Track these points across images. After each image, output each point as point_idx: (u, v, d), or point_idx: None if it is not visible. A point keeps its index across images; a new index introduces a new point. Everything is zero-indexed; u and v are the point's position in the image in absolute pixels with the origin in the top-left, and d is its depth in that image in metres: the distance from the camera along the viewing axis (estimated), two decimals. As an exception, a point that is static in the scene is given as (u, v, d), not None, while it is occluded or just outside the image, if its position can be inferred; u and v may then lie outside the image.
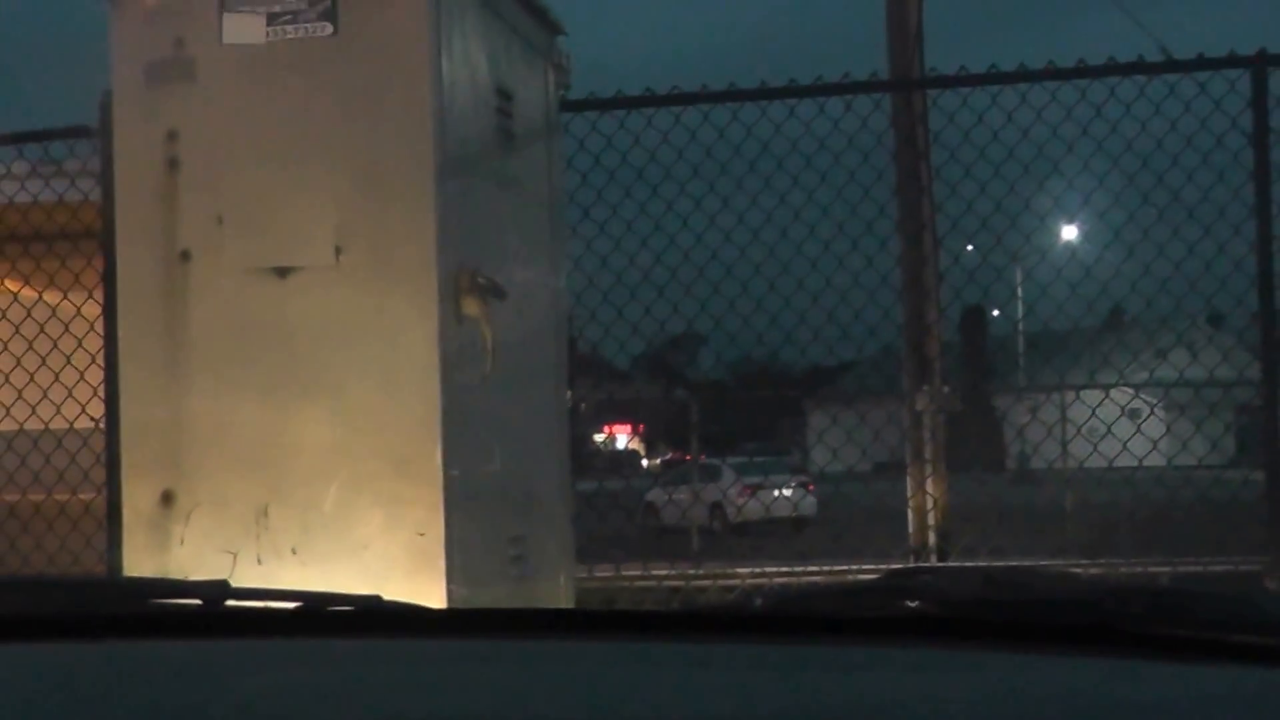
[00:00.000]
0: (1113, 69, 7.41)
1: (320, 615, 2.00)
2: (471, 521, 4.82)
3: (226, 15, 4.85)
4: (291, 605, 1.98)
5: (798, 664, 1.73)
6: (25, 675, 1.79)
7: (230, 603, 2.02)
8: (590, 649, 1.80)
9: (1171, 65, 7.58)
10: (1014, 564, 8.21)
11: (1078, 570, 8.42)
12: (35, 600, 2.08)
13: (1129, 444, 8.09)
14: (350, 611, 2.03)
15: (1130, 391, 10.55)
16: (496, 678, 1.71)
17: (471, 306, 4.84)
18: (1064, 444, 13.06)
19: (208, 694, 1.65)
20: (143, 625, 1.94)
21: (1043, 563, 8.84)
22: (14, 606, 2.02)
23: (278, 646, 1.84)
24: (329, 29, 4.79)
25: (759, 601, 2.28)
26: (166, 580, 2.99)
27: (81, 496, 7.47)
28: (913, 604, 1.86)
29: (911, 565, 8.80)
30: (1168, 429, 8.69)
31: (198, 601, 2.02)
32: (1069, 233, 10.67)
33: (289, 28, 4.81)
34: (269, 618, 2.00)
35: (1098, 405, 8.66)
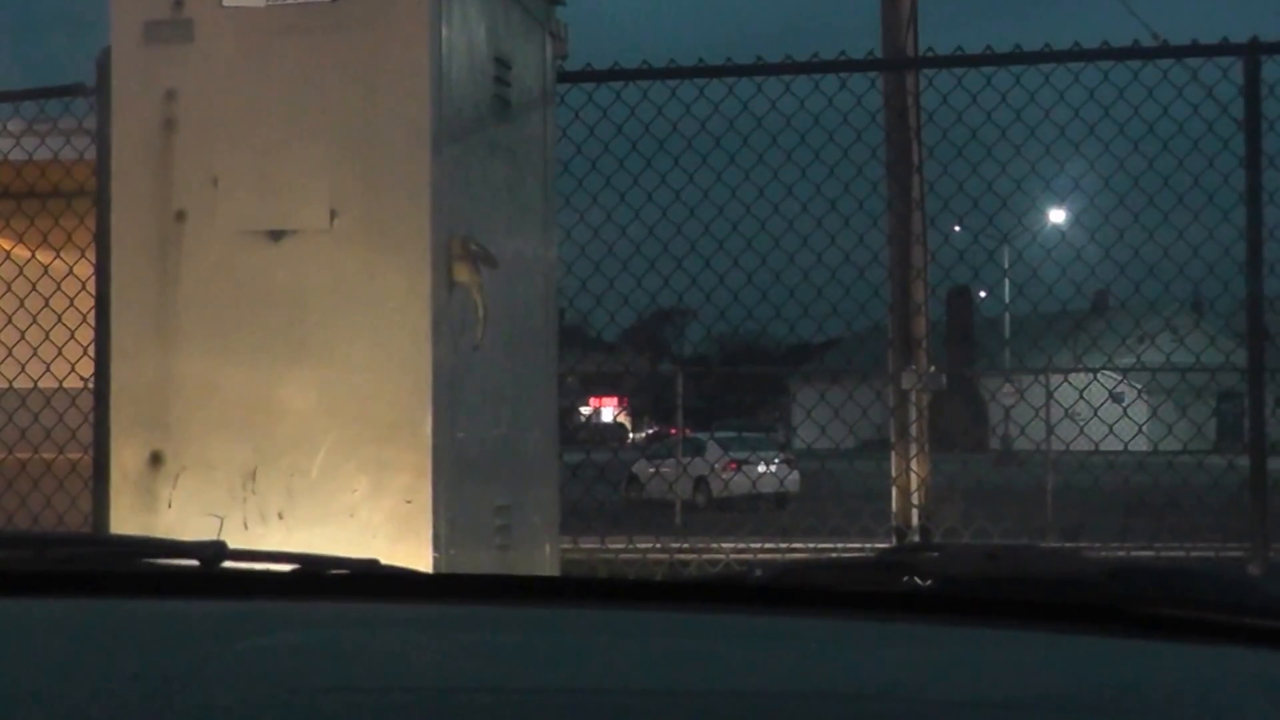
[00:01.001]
0: (1107, 53, 7.43)
1: (317, 578, 2.02)
2: (459, 489, 4.84)
3: (226, -23, 4.84)
4: (288, 567, 1.99)
5: (796, 636, 1.74)
6: (18, 631, 1.80)
7: (227, 564, 2.03)
8: (588, 616, 1.81)
9: (1165, 51, 7.60)
10: (1018, 543, 8.23)
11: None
12: (30, 556, 2.09)
13: (1113, 428, 8.13)
14: (347, 575, 2.04)
15: (1115, 375, 10.58)
16: (494, 643, 1.73)
17: (463, 273, 4.84)
18: (1048, 426, 13.10)
19: (203, 654, 1.66)
20: (139, 584, 1.95)
21: (1031, 545, 8.87)
22: (7, 562, 2.03)
23: (274, 608, 1.85)
24: (329, -6, 4.79)
25: (758, 573, 2.29)
26: (163, 540, 3.00)
27: (69, 455, 7.48)
28: (916, 580, 1.87)
29: (914, 542, 8.82)
30: (1153, 413, 8.71)
31: (194, 561, 2.03)
32: (1058, 215, 10.69)
33: (289, -8, 4.81)
34: (265, 579, 2.01)
35: (1084, 388, 8.69)
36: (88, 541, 2.96)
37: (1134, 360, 9.66)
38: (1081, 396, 8.76)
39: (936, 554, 2.29)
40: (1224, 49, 7.29)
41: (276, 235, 4.79)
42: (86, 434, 6.88)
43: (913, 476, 9.73)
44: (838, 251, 7.93)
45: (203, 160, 4.83)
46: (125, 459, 4.86)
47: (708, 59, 7.62)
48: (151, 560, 2.13)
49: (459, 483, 4.84)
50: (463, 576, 2.02)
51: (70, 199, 7.52)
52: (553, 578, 3.23)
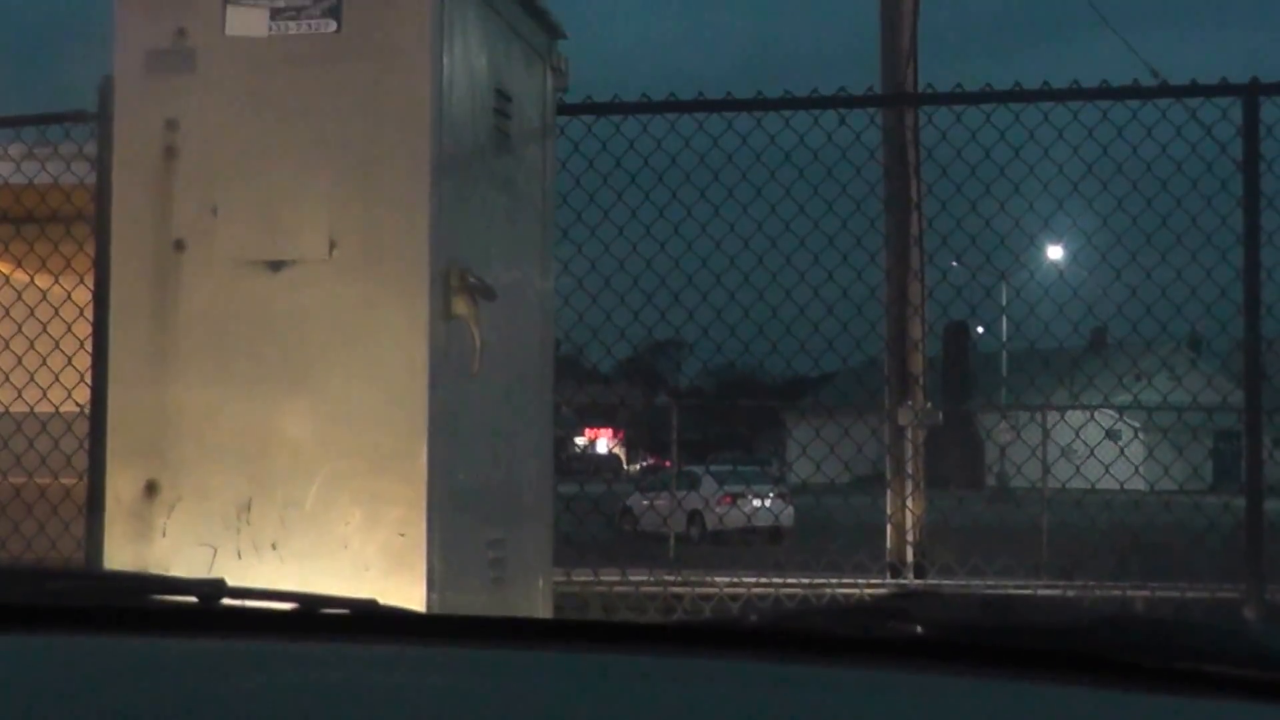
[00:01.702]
0: (1106, 93, 7.45)
1: (316, 617, 2.01)
2: (453, 523, 4.83)
3: (230, 7, 4.85)
4: (287, 606, 1.99)
5: (790, 682, 1.73)
6: (15, 667, 1.79)
7: (226, 601, 2.02)
8: (585, 660, 1.81)
9: (1165, 90, 7.62)
10: (1011, 590, 8.22)
11: (1071, 594, 8.43)
12: (28, 591, 2.08)
13: (1110, 466, 8.12)
14: (346, 615, 2.03)
15: (1112, 414, 10.60)
16: (491, 686, 1.72)
17: (461, 306, 4.84)
18: (1044, 464, 13.09)
19: (201, 692, 1.65)
20: (138, 620, 1.94)
21: (1025, 583, 8.86)
22: (4, 596, 2.02)
23: (273, 647, 1.84)
24: (333, 26, 4.80)
25: (752, 617, 2.28)
26: (162, 576, 2.99)
27: (63, 480, 7.46)
28: (908, 626, 1.86)
29: (908, 586, 8.81)
30: (1149, 453, 8.70)
31: (193, 598, 2.02)
32: (1056, 252, 10.70)
33: (292, 23, 4.82)
34: (264, 618, 2.00)
35: (1080, 427, 8.69)
36: (86, 576, 2.95)
37: (1131, 399, 9.66)
38: (1078, 435, 8.75)
39: (932, 600, 2.28)
40: (1223, 89, 7.31)
41: (275, 265, 4.78)
42: (81, 459, 6.86)
43: (908, 513, 9.73)
44: (835, 287, 7.94)
45: (202, 189, 4.83)
46: (120, 487, 4.85)
47: (708, 93, 7.64)
48: (151, 596, 2.12)
49: (453, 516, 4.83)
50: (461, 618, 2.00)
51: (69, 224, 7.51)
52: (550, 620, 3.22)
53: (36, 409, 7.77)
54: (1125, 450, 8.39)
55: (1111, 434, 9.18)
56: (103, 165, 5.54)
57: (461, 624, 2.06)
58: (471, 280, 4.87)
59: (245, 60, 4.85)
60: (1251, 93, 7.22)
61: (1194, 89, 7.38)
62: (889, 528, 10.10)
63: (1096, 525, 8.85)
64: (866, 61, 11.89)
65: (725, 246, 7.86)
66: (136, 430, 4.84)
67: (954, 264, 8.70)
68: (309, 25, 4.82)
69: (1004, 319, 10.45)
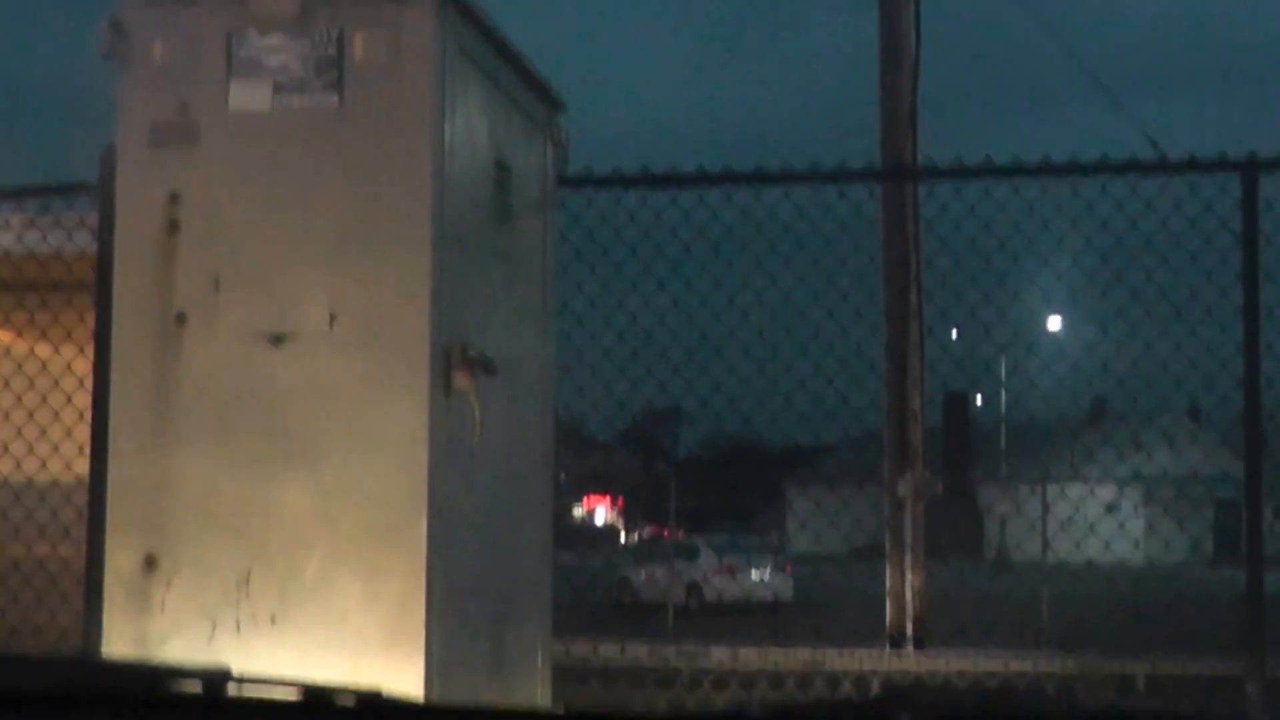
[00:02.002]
0: (1105, 167, 7.48)
1: (322, 707, 1.99)
2: (452, 596, 4.81)
3: (234, 81, 4.88)
4: (292, 695, 1.97)
5: None
6: None
7: (232, 689, 2.01)
8: None
9: (1162, 166, 7.65)
10: (1011, 663, 8.16)
11: (1071, 667, 8.38)
12: (33, 678, 2.06)
13: (1110, 539, 8.11)
14: (351, 706, 2.01)
15: (1111, 485, 10.59)
16: None
17: (462, 380, 4.84)
18: (1044, 539, 13.07)
19: None
20: (143, 710, 1.92)
21: (1024, 654, 8.82)
22: (8, 684, 2.00)
23: None
24: (334, 100, 4.82)
25: (754, 713, 2.27)
26: (168, 665, 2.96)
27: (61, 551, 7.44)
28: None
29: (910, 682, 8.76)
30: (1148, 526, 8.68)
31: (198, 687, 2.00)
32: (1055, 323, 10.71)
33: (294, 97, 4.84)
34: (270, 708, 1.99)
35: (1081, 502, 8.67)
36: (91, 664, 2.93)
37: (1131, 471, 9.65)
38: (1077, 510, 8.74)
39: (923, 694, 2.27)
40: (1221, 165, 7.33)
41: (276, 338, 4.79)
42: (80, 530, 6.83)
43: (907, 586, 9.69)
44: (835, 359, 7.94)
45: (204, 262, 4.84)
46: (119, 561, 4.83)
47: (708, 164, 7.67)
48: (157, 680, 2.11)
49: (453, 590, 4.81)
50: (465, 710, 1.99)
51: (71, 294, 7.52)
52: (553, 713, 3.19)
53: (35, 479, 7.76)
54: (1125, 524, 8.37)
55: (1112, 507, 9.15)
56: (104, 237, 5.54)
57: (465, 715, 2.04)
58: (472, 354, 4.87)
59: (248, 134, 4.87)
60: (1249, 168, 7.25)
61: (1192, 164, 7.41)
62: (888, 600, 10.04)
63: (1097, 597, 8.81)
64: (869, 126, 11.94)
65: (725, 318, 7.87)
66: (136, 503, 4.83)
67: (954, 335, 8.71)
68: (311, 99, 4.85)
69: (1003, 391, 10.45)
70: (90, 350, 6.13)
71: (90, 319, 6.30)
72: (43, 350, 7.88)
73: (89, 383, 6.36)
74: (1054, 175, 7.52)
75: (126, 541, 4.82)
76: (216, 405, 4.79)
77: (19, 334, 7.97)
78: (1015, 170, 7.55)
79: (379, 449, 4.70)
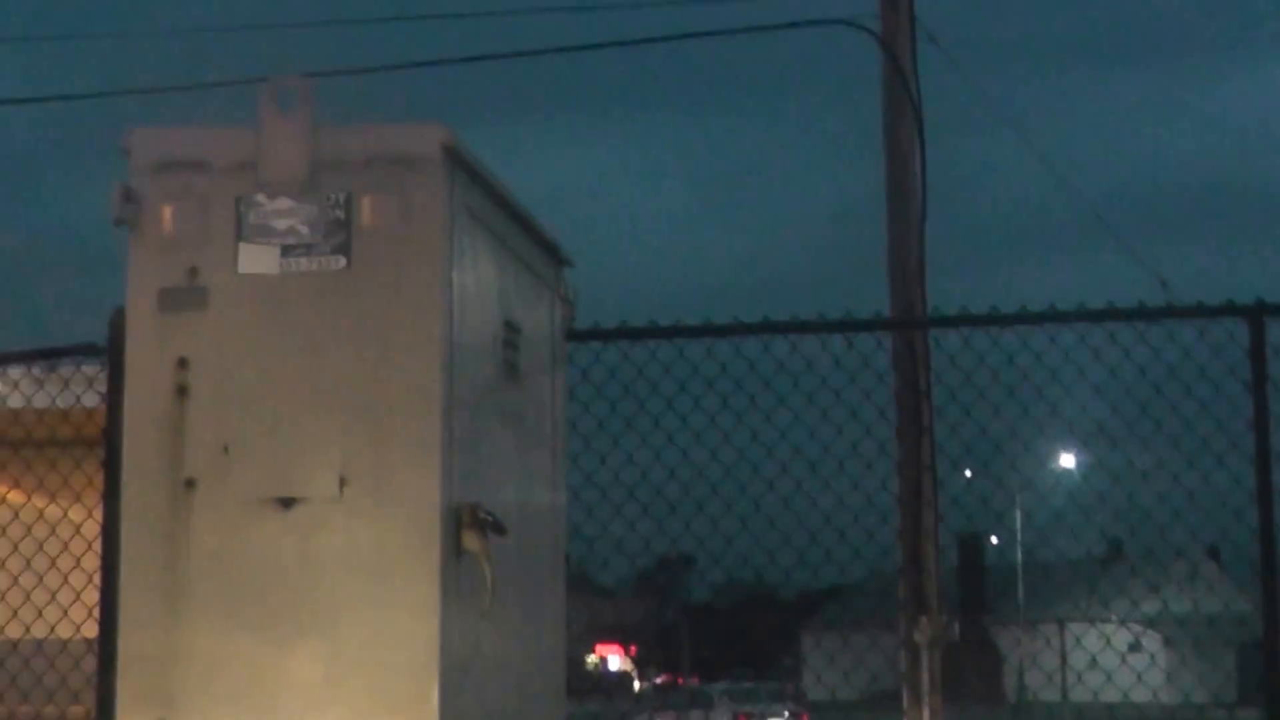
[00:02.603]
0: (1112, 314, 7.47)
1: None
2: (465, 761, 4.75)
3: (243, 245, 4.90)
4: None
5: None
6: None
7: None
8: None
9: (1169, 311, 7.65)
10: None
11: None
12: None
13: (1131, 685, 8.01)
14: None
15: (1131, 629, 10.52)
16: None
17: (473, 542, 4.82)
18: (1064, 688, 12.94)
19: None
20: None
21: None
22: None
23: None
24: (342, 262, 4.84)
25: None
26: None
27: (70, 715, 7.38)
28: None
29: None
30: (1167, 676, 8.61)
31: None
32: (1068, 464, 10.67)
33: (303, 260, 4.87)
34: None
35: (1100, 650, 8.60)
36: None
37: (1151, 613, 9.58)
38: (1095, 661, 8.65)
39: None
40: (1229, 310, 7.32)
41: (286, 503, 4.77)
42: (89, 694, 6.78)
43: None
44: (847, 511, 7.91)
45: (213, 428, 4.83)
46: (130, 730, 4.78)
47: (714, 314, 7.68)
48: None
49: (465, 755, 4.76)
50: None
51: (80, 458, 7.51)
52: None
53: (44, 641, 7.71)
54: (1146, 670, 8.28)
55: (1133, 646, 9.07)
56: (112, 400, 5.55)
57: None
58: (482, 515, 4.85)
59: (256, 297, 4.88)
60: (1257, 314, 7.23)
61: (1199, 310, 7.40)
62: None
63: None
64: (878, 274, 12.02)
65: (736, 471, 7.85)
66: (147, 672, 4.78)
67: (967, 475, 8.69)
68: (319, 262, 4.87)
69: (1018, 533, 10.40)
70: (99, 512, 6.12)
71: (99, 479, 6.30)
72: (52, 512, 7.87)
73: (98, 545, 6.34)
74: (1061, 321, 7.51)
75: (137, 711, 4.77)
76: (227, 572, 4.76)
77: (28, 496, 7.96)
78: (1022, 318, 7.54)
79: (389, 614, 4.66)
